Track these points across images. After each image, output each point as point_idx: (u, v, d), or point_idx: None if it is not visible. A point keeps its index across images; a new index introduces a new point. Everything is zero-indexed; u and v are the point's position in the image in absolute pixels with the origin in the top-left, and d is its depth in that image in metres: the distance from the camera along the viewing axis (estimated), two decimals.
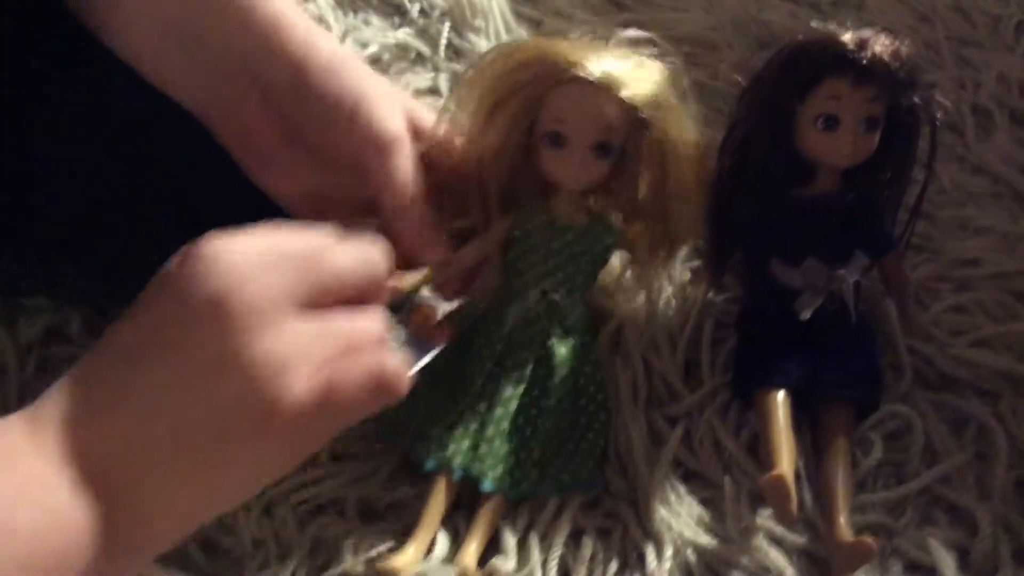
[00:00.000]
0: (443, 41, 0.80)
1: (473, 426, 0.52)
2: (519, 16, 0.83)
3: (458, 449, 0.51)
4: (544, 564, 0.50)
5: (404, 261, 0.52)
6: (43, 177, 0.55)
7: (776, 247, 0.57)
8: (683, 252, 0.64)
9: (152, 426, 0.34)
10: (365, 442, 0.55)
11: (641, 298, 0.61)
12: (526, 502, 0.53)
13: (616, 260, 0.60)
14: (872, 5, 0.87)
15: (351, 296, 0.38)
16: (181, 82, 0.52)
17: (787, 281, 0.56)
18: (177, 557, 0.49)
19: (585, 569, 0.50)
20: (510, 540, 0.51)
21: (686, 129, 0.55)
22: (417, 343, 0.48)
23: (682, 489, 0.54)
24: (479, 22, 0.81)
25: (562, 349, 0.54)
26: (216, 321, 0.34)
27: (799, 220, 0.56)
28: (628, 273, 0.60)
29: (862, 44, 0.52)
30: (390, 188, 0.51)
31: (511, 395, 0.53)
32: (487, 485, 0.51)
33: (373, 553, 0.50)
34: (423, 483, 0.52)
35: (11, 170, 0.53)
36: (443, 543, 0.50)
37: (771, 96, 0.55)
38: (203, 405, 0.34)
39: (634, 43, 0.55)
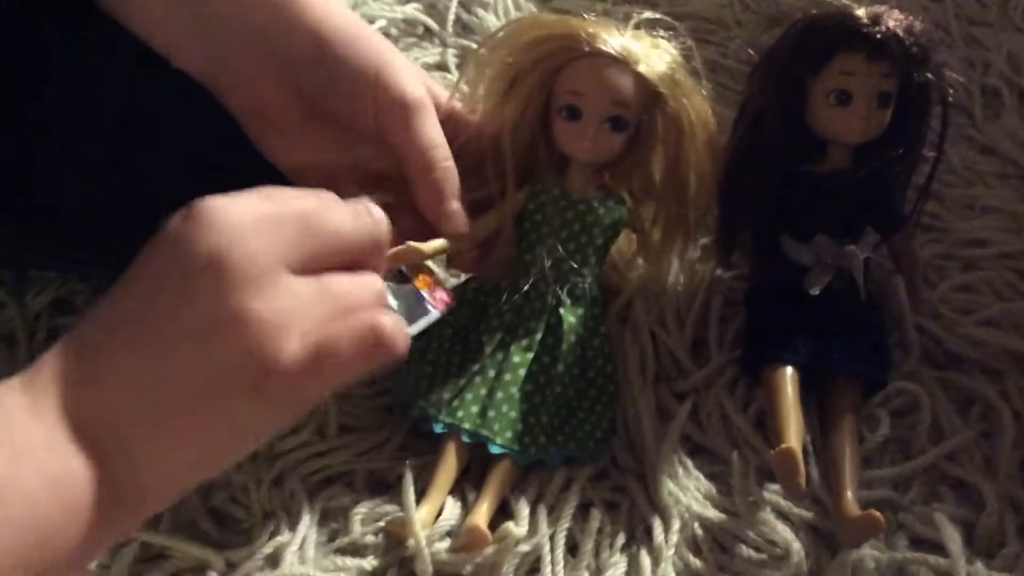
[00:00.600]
0: (451, 16, 0.79)
1: (483, 391, 0.53)
2: None
3: (468, 413, 0.52)
4: (552, 537, 0.50)
5: (425, 229, 0.52)
6: (46, 155, 0.54)
7: (786, 223, 0.57)
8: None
9: (146, 385, 0.34)
10: (374, 414, 0.55)
11: (651, 273, 0.61)
12: (534, 474, 0.53)
13: (628, 241, 0.60)
14: None
15: (350, 258, 0.38)
16: (192, 55, 0.52)
17: (797, 257, 0.56)
18: (188, 528, 0.50)
19: (592, 541, 0.51)
20: (523, 507, 0.51)
21: (701, 109, 0.55)
22: (419, 306, 0.48)
23: (690, 463, 0.54)
24: None
25: (571, 318, 0.54)
26: (213, 278, 0.34)
27: (810, 196, 0.56)
28: (640, 256, 0.60)
29: (876, 19, 0.52)
30: (416, 150, 0.51)
31: (520, 361, 0.53)
32: (495, 448, 0.51)
33: (382, 523, 0.50)
34: (432, 455, 0.52)
35: (14, 149, 0.53)
36: (453, 507, 0.51)
37: (784, 71, 0.54)
38: (198, 363, 0.34)
39: (650, 24, 0.55)
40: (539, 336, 0.54)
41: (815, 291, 0.54)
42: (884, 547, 0.51)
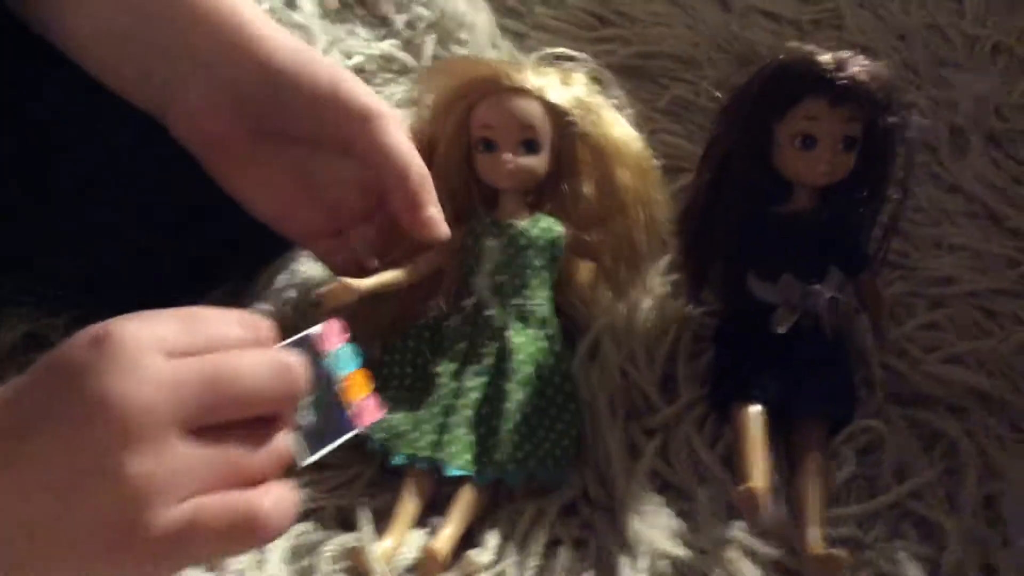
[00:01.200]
0: (428, 53, 0.80)
1: (438, 419, 0.54)
2: (504, 29, 0.84)
3: (424, 442, 0.53)
4: (520, 572, 0.50)
5: (405, 243, 0.54)
6: (20, 193, 0.55)
7: (753, 263, 0.57)
8: (661, 263, 0.65)
9: (13, 526, 0.32)
10: (344, 451, 0.55)
11: (619, 309, 0.62)
12: (504, 510, 0.53)
13: (589, 273, 0.62)
14: (851, 24, 0.88)
15: (258, 411, 0.35)
16: (141, 88, 0.52)
17: (763, 296, 0.57)
18: None
19: None
20: (491, 538, 0.52)
21: (620, 132, 0.58)
22: (339, 421, 0.42)
23: (658, 500, 0.54)
24: (464, 35, 0.82)
25: (520, 339, 0.56)
26: (100, 426, 0.32)
27: (776, 236, 0.57)
28: (603, 286, 0.62)
29: (841, 65, 0.53)
30: (389, 158, 0.51)
31: (473, 386, 0.55)
32: (452, 471, 0.52)
33: (348, 561, 0.50)
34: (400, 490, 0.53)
35: None
36: (419, 539, 0.51)
37: (750, 114, 0.55)
38: (67, 512, 0.32)
39: (558, 60, 0.60)
40: (490, 361, 0.55)
41: (781, 330, 0.55)
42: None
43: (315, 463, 0.53)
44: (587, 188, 0.59)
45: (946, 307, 0.64)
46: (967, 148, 0.77)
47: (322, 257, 0.58)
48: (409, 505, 0.52)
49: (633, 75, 0.80)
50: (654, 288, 0.64)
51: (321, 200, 0.54)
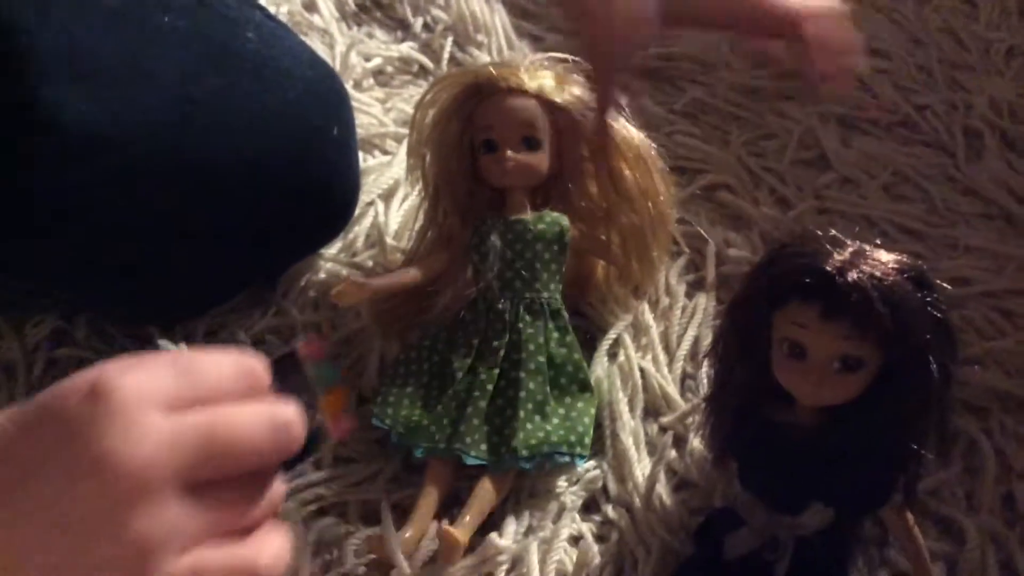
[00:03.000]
0: (446, 55, 0.81)
1: (454, 411, 0.55)
2: (520, 32, 0.84)
3: (442, 434, 0.54)
4: (542, 567, 0.51)
5: None
6: (36, 194, 0.55)
7: (741, 467, 0.49)
8: (679, 263, 0.66)
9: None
10: (368, 446, 0.56)
11: (640, 309, 0.62)
12: (525, 505, 0.54)
13: (602, 271, 0.63)
14: (867, 28, 0.88)
15: (253, 465, 0.35)
16: None
17: (737, 507, 0.49)
18: None
19: (583, 574, 0.51)
20: (510, 524, 0.52)
21: (617, 125, 0.58)
22: (316, 434, 0.41)
23: (674, 498, 0.55)
24: (481, 37, 0.82)
25: (530, 330, 0.57)
26: (100, 483, 0.32)
27: (765, 446, 0.47)
28: (616, 283, 0.63)
29: (842, 269, 0.42)
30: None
31: (487, 378, 0.56)
32: (469, 459, 0.53)
33: (373, 555, 0.51)
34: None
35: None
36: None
37: (740, 307, 0.47)
38: (72, 561, 0.32)
39: (554, 62, 0.59)
40: (502, 353, 0.56)
41: (729, 555, 0.48)
42: None
43: (338, 457, 0.55)
44: (591, 185, 0.60)
45: (963, 308, 0.65)
46: (982, 150, 0.78)
47: None
48: (429, 497, 0.53)
49: (650, 77, 0.81)
50: (673, 287, 0.65)
51: None
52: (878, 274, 0.42)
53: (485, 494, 0.53)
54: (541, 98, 0.57)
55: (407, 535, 0.51)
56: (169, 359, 0.34)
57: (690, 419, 0.58)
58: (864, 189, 0.74)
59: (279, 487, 0.36)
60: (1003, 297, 0.66)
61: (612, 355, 0.60)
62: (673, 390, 0.59)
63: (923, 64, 0.85)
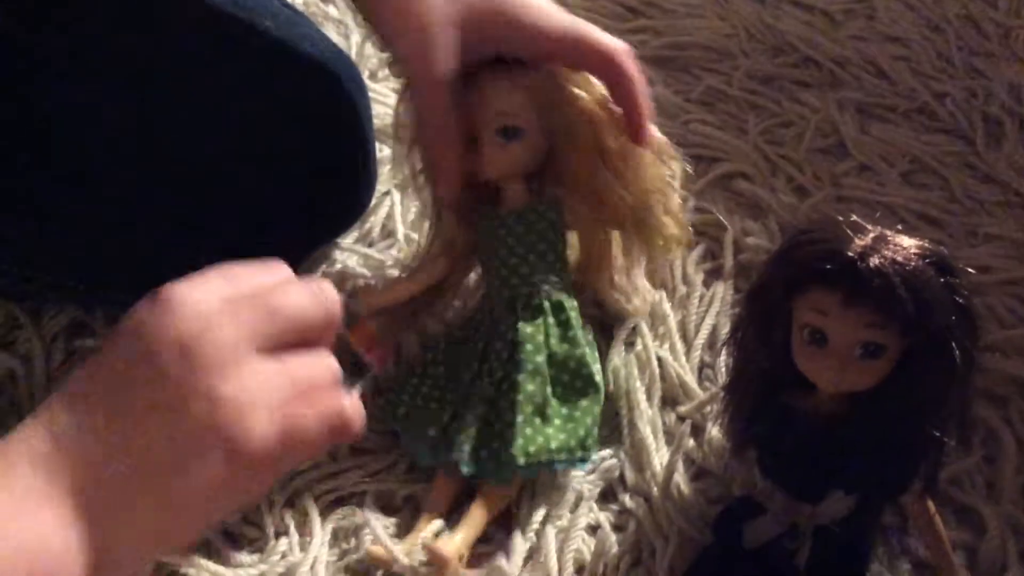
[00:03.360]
0: None
1: (456, 421, 0.54)
2: None
3: (443, 440, 0.54)
4: (560, 556, 0.51)
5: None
6: (50, 187, 0.56)
7: (760, 454, 0.49)
8: (696, 252, 0.66)
9: (119, 457, 0.35)
10: (384, 437, 0.56)
11: (657, 298, 0.62)
12: (542, 495, 0.53)
13: (618, 260, 0.61)
14: (884, 14, 0.88)
15: (306, 335, 0.39)
16: None
17: (757, 493, 0.49)
18: (201, 546, 0.50)
19: (601, 563, 0.51)
20: (533, 520, 0.52)
21: (599, 90, 0.55)
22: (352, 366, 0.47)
23: (692, 487, 0.54)
24: None
25: (528, 328, 0.54)
26: (184, 364, 0.35)
27: (785, 433, 0.47)
28: (633, 271, 0.61)
29: (864, 254, 0.41)
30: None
31: (486, 383, 0.54)
32: (465, 469, 0.52)
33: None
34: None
35: (16, 180, 0.54)
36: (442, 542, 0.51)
37: (759, 294, 0.46)
38: (168, 441, 0.35)
39: None
40: (505, 355, 0.54)
41: (748, 545, 0.48)
42: (888, 571, 0.51)
43: (355, 448, 0.55)
44: (577, 161, 0.55)
45: (983, 296, 0.64)
46: (1002, 137, 0.77)
47: None
48: (435, 502, 0.52)
49: (666, 66, 0.81)
50: (690, 275, 0.64)
51: None
52: (900, 259, 0.41)
53: (478, 507, 0.52)
54: (518, 82, 0.53)
55: (406, 543, 0.50)
56: (211, 273, 0.38)
57: (708, 408, 0.58)
58: (882, 177, 0.73)
59: (334, 362, 0.40)
60: (1023, 285, 0.65)
61: (629, 344, 0.60)
62: (691, 379, 0.59)
63: (942, 51, 0.84)
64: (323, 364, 0.39)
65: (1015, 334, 0.62)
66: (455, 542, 0.50)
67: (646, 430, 0.56)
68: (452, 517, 0.52)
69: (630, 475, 0.55)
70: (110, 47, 0.54)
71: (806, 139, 0.75)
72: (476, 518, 0.52)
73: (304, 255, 0.64)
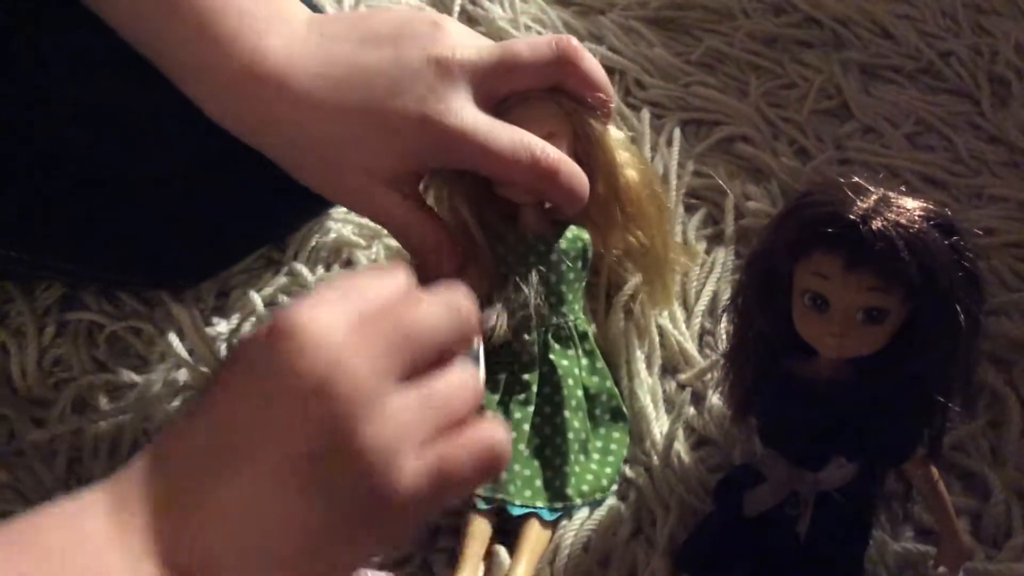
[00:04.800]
0: (456, 8, 0.79)
1: None
2: None
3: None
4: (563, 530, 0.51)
5: None
6: (32, 163, 0.55)
7: (761, 421, 0.49)
8: (696, 219, 0.65)
9: (249, 522, 0.31)
10: None
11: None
12: None
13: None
14: None
15: (442, 353, 0.35)
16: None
17: (757, 464, 0.48)
18: None
19: (602, 532, 0.51)
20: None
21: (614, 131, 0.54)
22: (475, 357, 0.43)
23: (693, 455, 0.54)
24: None
25: (563, 361, 0.53)
26: (321, 407, 0.31)
27: (786, 398, 0.46)
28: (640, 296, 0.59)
29: (867, 216, 0.40)
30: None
31: (522, 417, 0.52)
32: (516, 510, 0.50)
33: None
34: None
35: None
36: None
37: (760, 259, 0.45)
38: (309, 502, 0.31)
39: None
40: (535, 388, 0.52)
41: (748, 512, 0.47)
42: (891, 538, 0.51)
43: None
44: (604, 189, 0.54)
45: (987, 259, 0.63)
46: (1008, 97, 0.76)
47: None
48: (475, 543, 0.49)
49: (666, 27, 0.79)
50: (690, 242, 0.63)
51: None
52: (903, 222, 0.40)
53: (537, 538, 0.49)
54: (559, 100, 0.50)
55: None
56: (326, 289, 0.34)
57: (709, 376, 0.57)
58: (887, 139, 0.72)
59: (474, 376, 0.36)
60: None
61: (628, 312, 0.59)
62: (691, 346, 0.58)
63: (947, 10, 0.82)
64: (467, 385, 0.35)
65: (1020, 297, 0.61)
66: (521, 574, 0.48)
67: (646, 399, 0.55)
68: None
69: (632, 445, 0.55)
70: (110, 43, 0.53)
71: (809, 101, 0.74)
72: (532, 551, 0.49)
73: (297, 226, 0.63)
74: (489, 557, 0.49)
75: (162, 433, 0.34)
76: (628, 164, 0.54)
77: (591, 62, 0.50)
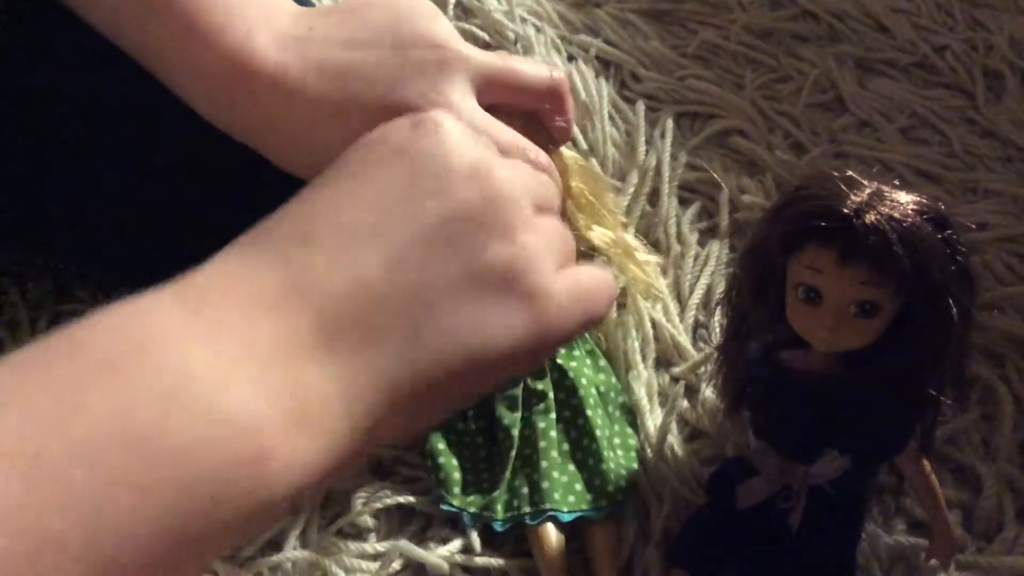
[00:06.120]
0: (452, 0, 0.79)
1: (527, 471, 0.51)
2: None
3: (520, 499, 0.50)
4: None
5: None
6: (29, 163, 0.54)
7: (753, 414, 0.48)
8: (691, 211, 0.65)
9: (397, 288, 0.30)
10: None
11: (653, 259, 0.61)
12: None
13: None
14: None
15: (544, 204, 0.36)
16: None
17: (749, 456, 0.48)
18: None
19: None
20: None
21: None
22: None
23: (686, 448, 0.54)
24: None
25: (571, 363, 0.54)
26: (475, 188, 0.31)
27: (778, 391, 0.46)
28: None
29: (860, 211, 0.40)
30: None
31: (547, 426, 0.52)
32: (565, 516, 0.50)
33: (379, 505, 0.51)
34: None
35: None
36: None
37: (754, 252, 0.45)
38: (463, 266, 0.31)
39: None
40: (551, 395, 0.53)
41: (740, 506, 0.47)
42: (883, 531, 0.51)
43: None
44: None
45: (981, 253, 0.64)
46: (1002, 92, 0.76)
47: None
48: (552, 559, 0.49)
49: (661, 19, 0.79)
50: (685, 235, 0.64)
51: None
52: (897, 216, 0.40)
53: (602, 543, 0.50)
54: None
55: None
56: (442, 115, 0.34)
57: (702, 369, 0.57)
58: (881, 132, 0.72)
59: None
60: (1022, 242, 0.65)
61: (621, 305, 0.59)
62: (685, 340, 0.58)
63: (942, 4, 0.83)
64: (568, 236, 0.35)
65: (1013, 291, 0.61)
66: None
67: (640, 391, 0.55)
68: None
69: None
70: (104, 40, 0.53)
71: (804, 94, 0.74)
72: (611, 553, 0.50)
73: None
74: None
75: (256, 227, 0.33)
76: (576, 173, 0.53)
77: (571, 102, 0.51)
